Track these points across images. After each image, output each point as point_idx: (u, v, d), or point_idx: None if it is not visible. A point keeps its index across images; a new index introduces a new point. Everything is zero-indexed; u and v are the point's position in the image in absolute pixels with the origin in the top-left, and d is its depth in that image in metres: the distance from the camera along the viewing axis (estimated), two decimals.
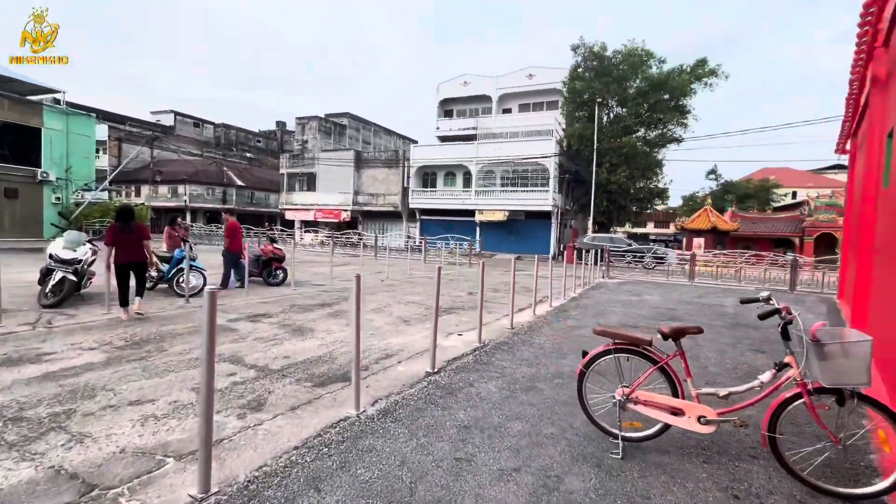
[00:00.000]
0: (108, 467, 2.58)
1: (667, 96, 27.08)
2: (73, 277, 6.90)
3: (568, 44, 43.56)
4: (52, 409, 3.33)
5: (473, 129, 33.41)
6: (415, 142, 38.07)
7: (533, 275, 8.47)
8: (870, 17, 5.73)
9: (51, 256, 6.93)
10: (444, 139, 35.50)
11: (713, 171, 50.01)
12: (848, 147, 11.10)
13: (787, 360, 2.64)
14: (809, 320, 7.35)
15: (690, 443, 3.10)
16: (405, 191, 32.57)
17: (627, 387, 2.96)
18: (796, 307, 8.18)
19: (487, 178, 30.95)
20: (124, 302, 6.25)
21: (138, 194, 40.99)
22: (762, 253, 18.04)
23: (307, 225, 35.82)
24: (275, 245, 10.39)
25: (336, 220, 34.37)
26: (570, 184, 30.95)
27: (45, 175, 20.43)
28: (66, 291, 6.82)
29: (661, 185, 30.16)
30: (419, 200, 32.08)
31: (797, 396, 2.58)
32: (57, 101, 21.89)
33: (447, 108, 37.41)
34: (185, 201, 40.96)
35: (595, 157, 27.45)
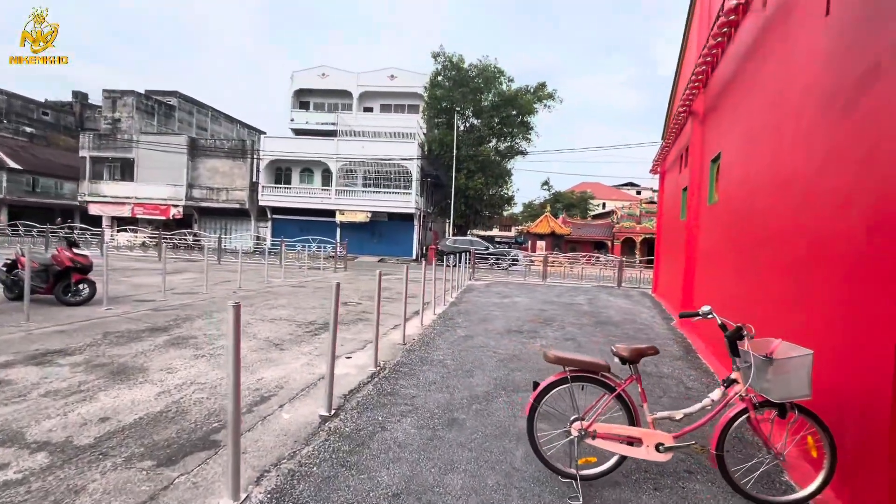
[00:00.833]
0: None
1: (515, 112, 29.67)
2: None
3: (428, 51, 44.57)
4: None
5: (333, 124, 31.56)
6: (263, 133, 34.10)
7: (403, 279, 7.93)
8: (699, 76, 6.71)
9: None
10: (299, 132, 32.68)
11: (546, 183, 57.06)
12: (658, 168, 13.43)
13: (734, 375, 2.59)
14: (636, 310, 8.58)
15: (632, 467, 2.91)
16: (254, 186, 28.96)
17: (582, 419, 2.60)
18: (626, 301, 9.18)
19: (349, 178, 29.55)
20: None
21: None
22: (596, 254, 21.01)
23: (121, 222, 29.06)
24: (75, 250, 7.70)
25: (163, 218, 28.66)
26: (430, 187, 31.55)
27: None
28: None
29: (510, 193, 32.99)
30: (271, 197, 28.88)
31: (743, 412, 2.54)
32: None
33: (303, 99, 34.61)
34: None
35: (455, 162, 28.52)
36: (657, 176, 14.93)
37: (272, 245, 20.02)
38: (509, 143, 31.79)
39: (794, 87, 3.82)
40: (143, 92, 33.95)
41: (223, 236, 25.18)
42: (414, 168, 28.38)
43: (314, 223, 28.90)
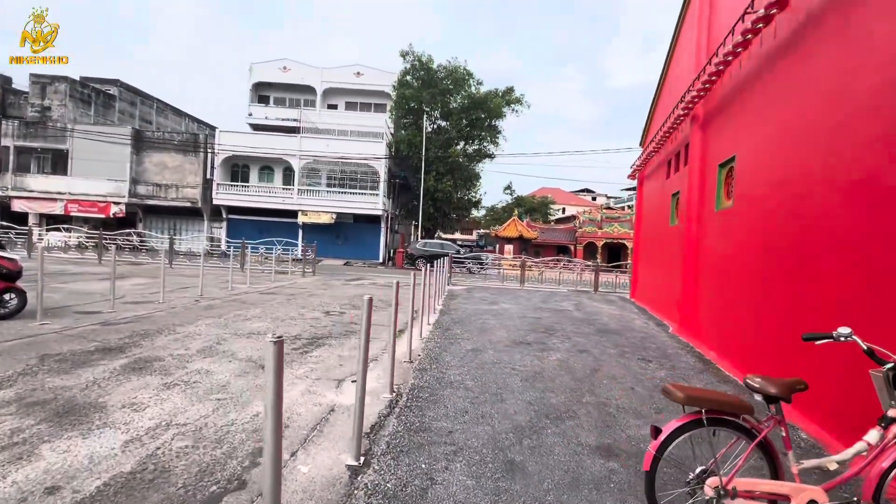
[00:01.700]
0: None
1: (484, 115, 29.43)
2: None
3: (397, 49, 43.53)
4: None
5: (295, 120, 29.99)
6: (215, 128, 31.70)
7: (375, 283, 7.26)
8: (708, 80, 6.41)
9: None
10: (258, 128, 30.77)
11: (509, 187, 57.44)
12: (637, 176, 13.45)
13: (892, 413, 2.15)
14: (627, 316, 8.08)
15: None
16: (208, 183, 26.90)
17: (715, 473, 2.06)
18: (612, 307, 8.96)
19: (312, 177, 28.14)
20: None
21: None
22: (562, 258, 21.04)
23: (52, 221, 26.02)
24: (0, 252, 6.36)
25: (102, 216, 25.97)
26: (397, 189, 30.70)
27: None
28: None
29: (478, 196, 32.74)
30: (227, 196, 26.95)
31: None
32: None
33: (263, 93, 32.72)
34: None
35: (423, 164, 27.87)
36: (634, 182, 15.05)
37: (233, 247, 18.46)
38: (478, 146, 31.53)
39: (862, 85, 3.54)
40: (77, 79, 30.70)
41: (173, 237, 23.08)
42: (382, 168, 27.47)
43: (274, 224, 27.26)
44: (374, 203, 27.40)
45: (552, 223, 45.11)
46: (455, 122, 30.06)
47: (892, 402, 2.15)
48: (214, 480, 2.55)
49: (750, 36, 5.41)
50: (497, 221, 54.94)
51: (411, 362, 5.22)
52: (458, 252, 23.50)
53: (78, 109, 29.73)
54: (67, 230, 23.27)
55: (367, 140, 28.08)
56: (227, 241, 25.08)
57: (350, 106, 32.71)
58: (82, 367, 4.31)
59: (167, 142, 26.96)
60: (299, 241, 26.19)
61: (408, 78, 29.34)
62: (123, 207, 26.17)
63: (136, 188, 26.35)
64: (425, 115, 29.55)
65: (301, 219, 27.15)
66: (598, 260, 35.14)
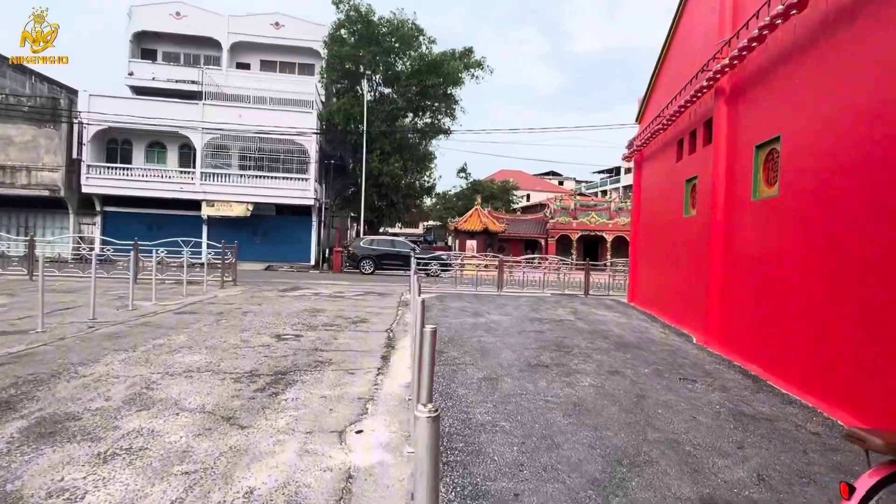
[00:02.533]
0: None
1: (441, 80, 29.20)
2: None
3: None
4: None
5: (194, 82, 28.12)
6: (75, 93, 28.66)
7: (319, 293, 6.94)
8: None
9: None
10: (143, 91, 28.44)
11: (463, 170, 57.63)
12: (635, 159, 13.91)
13: None
14: (637, 325, 8.10)
15: None
16: (74, 165, 24.57)
17: None
18: (614, 313, 9.22)
19: (220, 157, 26.66)
20: None
21: None
22: (551, 256, 21.45)
23: None
24: None
25: None
26: (332, 172, 29.81)
27: None
28: None
29: (432, 180, 32.59)
30: (102, 182, 24.86)
31: None
32: None
33: (148, 45, 30.40)
34: None
35: (365, 141, 27.24)
36: (630, 165, 15.58)
37: (114, 249, 16.92)
38: (431, 120, 31.34)
39: None
40: None
41: (34, 238, 20.83)
42: (312, 146, 26.58)
43: (168, 218, 25.57)
44: (303, 190, 26.47)
45: (518, 213, 45.99)
46: (403, 90, 29.65)
47: None
48: None
49: None
50: (451, 212, 55.13)
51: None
52: (415, 250, 23.24)
53: None
54: None
55: (293, 109, 27.00)
56: (106, 241, 23.06)
57: (267, 66, 31.25)
58: None
59: (13, 109, 24.22)
60: (203, 238, 24.62)
61: (342, 32, 28.48)
62: None
63: None
64: (365, 80, 28.90)
65: (206, 211, 25.65)
66: (574, 256, 36.38)
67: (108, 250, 18.11)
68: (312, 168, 26.52)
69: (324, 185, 28.95)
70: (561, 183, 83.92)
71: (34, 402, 4.40)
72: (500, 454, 3.76)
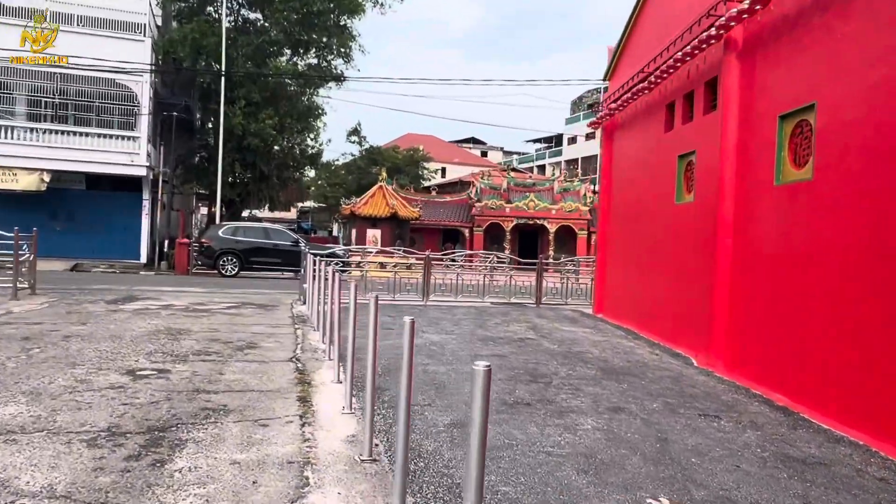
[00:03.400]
0: None
1: (332, 4, 28.65)
2: None
3: None
4: None
5: None
6: None
7: (171, 304, 6.65)
8: None
9: None
10: None
11: (356, 132, 56.80)
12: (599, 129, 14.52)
13: None
14: (618, 343, 8.48)
15: None
16: None
17: None
18: (584, 329, 9.67)
19: None
20: None
21: None
22: (488, 253, 21.72)
23: None
24: None
25: None
26: (173, 129, 28.23)
27: None
28: None
29: (318, 146, 31.99)
30: None
31: None
32: None
33: None
34: None
35: (224, 86, 26.17)
36: (592, 132, 16.21)
37: None
38: (317, 60, 30.77)
39: None
40: None
41: None
42: (144, 91, 25.14)
43: None
44: (129, 154, 25.36)
45: (433, 192, 46.39)
46: (278, 15, 28.73)
47: None
48: None
49: None
50: (338, 189, 54.35)
51: (373, 460, 4.72)
52: (298, 243, 22.94)
53: None
54: None
55: (115, 35, 25.45)
56: None
57: None
58: None
59: None
60: None
61: None
62: None
63: None
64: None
65: None
66: (507, 250, 37.36)
67: None
68: (144, 122, 25.18)
69: (161, 148, 27.55)
70: (484, 154, 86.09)
71: None
72: None
